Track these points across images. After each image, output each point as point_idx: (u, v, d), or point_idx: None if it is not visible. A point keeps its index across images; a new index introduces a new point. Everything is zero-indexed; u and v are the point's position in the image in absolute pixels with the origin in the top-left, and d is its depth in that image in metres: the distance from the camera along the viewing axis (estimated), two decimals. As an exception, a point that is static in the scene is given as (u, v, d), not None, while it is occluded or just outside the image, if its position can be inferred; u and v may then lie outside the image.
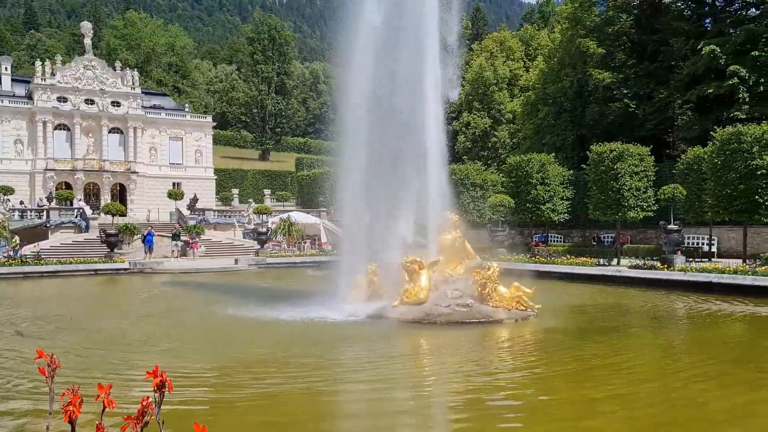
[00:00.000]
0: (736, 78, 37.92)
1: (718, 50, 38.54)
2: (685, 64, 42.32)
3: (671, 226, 27.20)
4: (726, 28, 41.43)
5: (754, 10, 42.42)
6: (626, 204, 31.00)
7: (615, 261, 30.03)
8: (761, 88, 38.16)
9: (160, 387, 2.22)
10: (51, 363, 2.40)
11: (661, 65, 46.09)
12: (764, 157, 25.58)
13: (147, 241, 38.42)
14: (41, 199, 52.29)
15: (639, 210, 31.29)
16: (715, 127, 31.31)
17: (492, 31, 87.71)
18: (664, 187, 30.38)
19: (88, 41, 61.63)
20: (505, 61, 69.07)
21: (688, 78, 41.90)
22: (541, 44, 68.67)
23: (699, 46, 39.87)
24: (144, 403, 2.16)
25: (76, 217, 44.95)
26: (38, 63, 59.71)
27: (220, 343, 13.82)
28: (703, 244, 33.82)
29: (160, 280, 30.37)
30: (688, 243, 32.94)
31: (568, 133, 50.20)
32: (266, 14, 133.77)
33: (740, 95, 38.06)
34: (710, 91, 39.26)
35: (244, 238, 48.38)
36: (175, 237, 41.62)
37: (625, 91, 46.88)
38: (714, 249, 33.61)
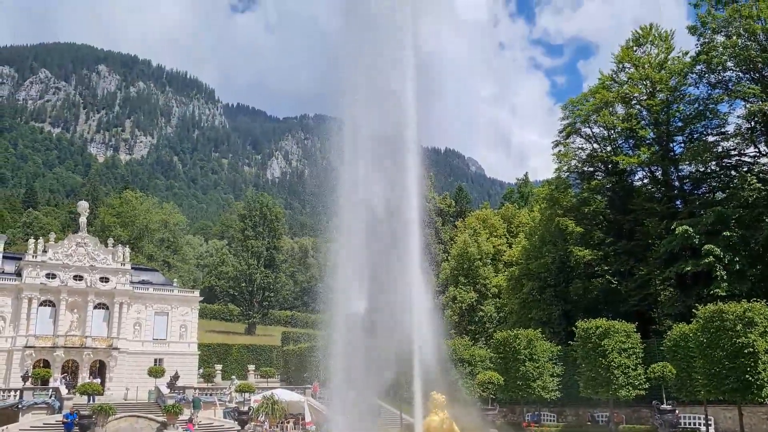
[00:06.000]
0: (711, 257, 38.41)
1: (691, 230, 39.63)
2: (661, 242, 43.27)
3: (665, 406, 26.63)
4: (697, 209, 43.06)
5: (720, 193, 44.53)
6: (616, 382, 30.45)
7: (611, 444, 28.86)
8: (737, 267, 38.68)
9: None
10: None
11: (638, 243, 47.32)
12: (749, 335, 25.72)
13: (66, 425, 36.96)
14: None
15: (630, 388, 30.70)
16: (696, 304, 31.68)
17: (474, 209, 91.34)
18: (653, 366, 30.08)
19: (83, 219, 63.37)
20: (488, 237, 71.06)
21: (665, 256, 42.65)
22: (522, 222, 71.17)
23: (672, 226, 41.13)
24: None
25: (50, 397, 43.18)
26: (31, 241, 60.76)
27: None
28: (699, 424, 32.69)
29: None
30: (684, 423, 31.91)
31: (553, 308, 50.40)
32: (259, 192, 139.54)
33: (718, 273, 38.43)
34: (688, 269, 39.82)
35: (225, 417, 46.32)
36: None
37: (606, 268, 47.89)
38: (712, 429, 32.44)
